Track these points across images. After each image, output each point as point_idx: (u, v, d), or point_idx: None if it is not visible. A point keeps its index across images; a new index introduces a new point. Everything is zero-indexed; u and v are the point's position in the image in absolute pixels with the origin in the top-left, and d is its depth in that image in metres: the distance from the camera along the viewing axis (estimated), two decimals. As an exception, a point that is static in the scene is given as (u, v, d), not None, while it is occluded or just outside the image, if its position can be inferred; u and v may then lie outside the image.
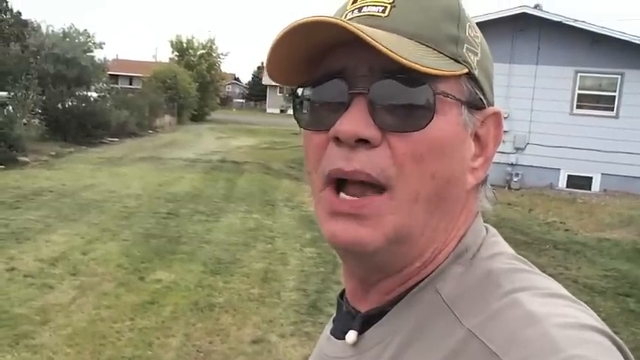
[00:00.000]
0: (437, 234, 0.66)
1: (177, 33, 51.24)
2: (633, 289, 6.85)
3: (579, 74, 14.02)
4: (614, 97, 13.90)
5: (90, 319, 5.03)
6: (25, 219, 8.31)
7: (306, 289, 6.06)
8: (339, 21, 0.59)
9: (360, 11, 0.66)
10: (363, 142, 0.61)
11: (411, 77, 0.60)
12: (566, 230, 10.12)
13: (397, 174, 0.61)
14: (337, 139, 0.62)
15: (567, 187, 14.06)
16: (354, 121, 0.61)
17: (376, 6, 0.65)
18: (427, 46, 0.63)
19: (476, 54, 0.67)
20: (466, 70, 0.65)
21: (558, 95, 13.98)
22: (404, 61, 0.58)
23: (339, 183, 0.64)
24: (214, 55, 45.19)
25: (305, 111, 0.69)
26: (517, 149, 14.18)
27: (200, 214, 9.40)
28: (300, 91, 0.69)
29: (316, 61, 0.66)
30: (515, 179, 14.00)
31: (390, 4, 0.65)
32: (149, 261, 6.73)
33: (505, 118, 13.88)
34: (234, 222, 9.05)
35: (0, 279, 5.88)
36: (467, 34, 0.67)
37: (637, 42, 13.22)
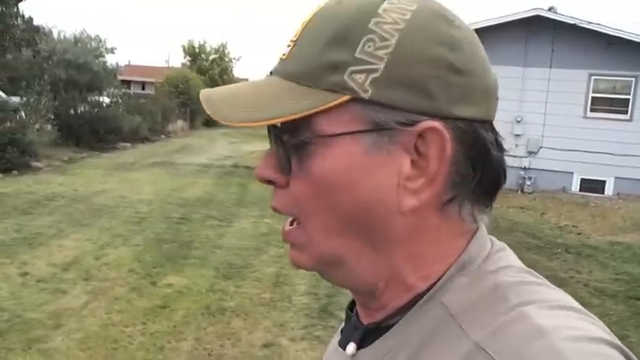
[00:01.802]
0: (382, 260, 0.65)
1: (189, 38, 51.53)
2: (644, 292, 6.80)
3: (593, 77, 13.89)
4: (629, 100, 13.76)
5: (102, 324, 5.06)
6: (37, 224, 8.39)
7: (317, 293, 6.05)
8: (203, 93, 0.69)
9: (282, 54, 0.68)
10: (272, 182, 0.67)
11: (285, 125, 0.63)
12: (579, 234, 10.04)
13: (299, 211, 0.66)
14: None
15: (580, 190, 13.94)
16: (262, 165, 0.67)
17: (288, 46, 0.66)
18: (302, 84, 0.62)
19: (373, 71, 0.60)
20: (345, 98, 0.60)
21: (572, 98, 13.86)
22: (233, 123, 0.63)
23: None
24: (227, 59, 45.42)
25: None
26: (530, 153, 14.10)
27: (212, 219, 9.43)
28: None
29: None
30: (528, 183, 13.91)
31: (294, 41, 0.65)
32: (161, 266, 6.76)
33: (518, 121, 13.83)
34: (247, 227, 9.07)
35: (13, 284, 5.93)
36: (358, 52, 0.60)
37: (651, 44, 13.10)
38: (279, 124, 0.64)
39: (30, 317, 5.11)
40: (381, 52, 0.60)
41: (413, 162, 0.62)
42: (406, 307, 0.65)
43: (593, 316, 0.59)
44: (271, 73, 0.68)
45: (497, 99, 0.66)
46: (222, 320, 5.26)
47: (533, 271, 0.65)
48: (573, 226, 10.55)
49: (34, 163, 14.17)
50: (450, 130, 0.60)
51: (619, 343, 0.56)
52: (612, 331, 0.58)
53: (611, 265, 8.01)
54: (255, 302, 5.74)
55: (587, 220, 11.13)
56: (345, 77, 0.60)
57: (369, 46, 0.60)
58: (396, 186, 0.62)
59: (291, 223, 0.68)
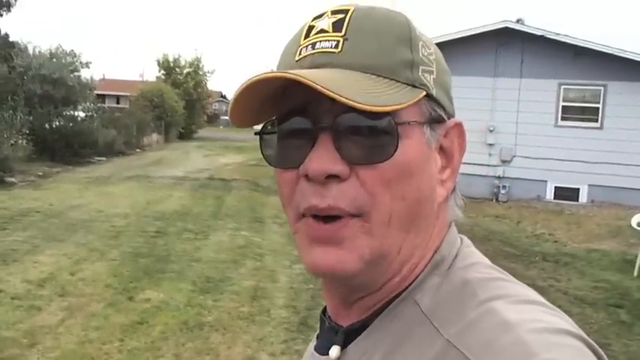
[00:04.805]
0: (413, 249, 0.67)
1: (164, 52, 51.26)
2: (624, 299, 6.86)
3: (563, 86, 14.15)
4: (598, 108, 14.01)
5: (78, 341, 4.97)
6: (12, 240, 8.24)
7: (296, 306, 6.03)
8: (287, 74, 0.59)
9: (313, 47, 0.66)
10: (333, 177, 0.62)
11: (366, 113, 0.61)
12: (555, 242, 10.16)
13: (370, 202, 0.63)
14: (307, 176, 0.63)
15: (555, 198, 14.12)
16: (322, 158, 0.62)
17: (329, 41, 0.65)
18: (383, 77, 0.64)
19: (431, 72, 0.68)
20: (424, 94, 0.66)
21: (543, 107, 14.09)
22: (357, 105, 0.58)
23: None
24: (201, 73, 45.17)
25: (272, 149, 0.69)
26: (504, 162, 14.27)
27: (189, 233, 9.36)
28: (265, 129, 0.70)
29: (278, 98, 0.67)
30: (502, 192, 14.06)
31: (342, 37, 0.65)
32: (138, 280, 6.68)
33: (491, 131, 14.01)
34: (223, 240, 9.01)
35: (-13, 302, 5.81)
36: (420, 54, 0.67)
37: (618, 54, 13.39)
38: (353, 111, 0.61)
39: (4, 336, 5.00)
40: (431, 57, 0.69)
41: (440, 155, 0.70)
42: (383, 307, 0.68)
43: (557, 309, 0.62)
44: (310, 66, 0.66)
45: None
46: (200, 335, 5.21)
47: (500, 268, 0.68)
48: (549, 234, 10.67)
49: (9, 179, 13.95)
50: None
51: (583, 334, 0.59)
52: (593, 339, 0.60)
53: (589, 272, 8.09)
54: (233, 316, 5.69)
55: (563, 228, 11.26)
56: (420, 74, 0.66)
57: (425, 50, 0.68)
58: (436, 177, 0.69)
59: (324, 220, 0.63)
